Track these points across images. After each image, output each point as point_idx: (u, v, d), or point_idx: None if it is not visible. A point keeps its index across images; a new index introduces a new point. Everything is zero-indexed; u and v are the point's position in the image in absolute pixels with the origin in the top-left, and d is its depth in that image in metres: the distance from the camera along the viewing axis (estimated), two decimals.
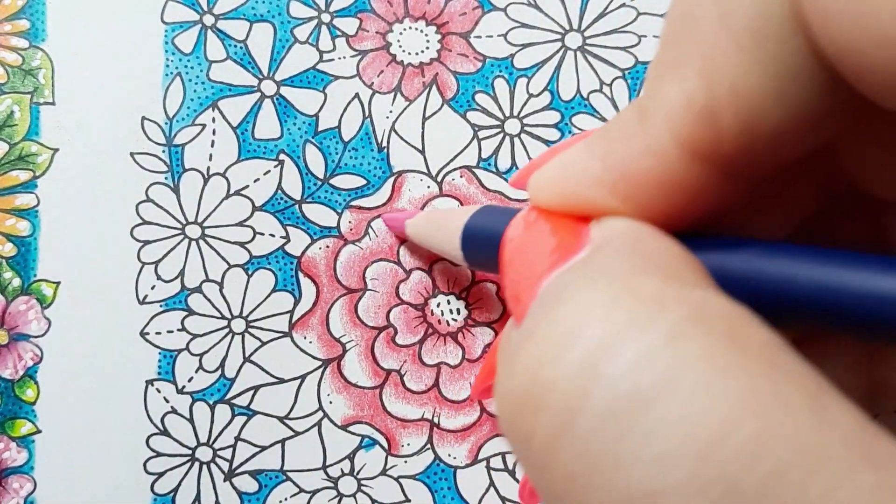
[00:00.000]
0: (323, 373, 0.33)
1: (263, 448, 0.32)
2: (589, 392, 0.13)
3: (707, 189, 0.16)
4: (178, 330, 0.33)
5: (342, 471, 0.32)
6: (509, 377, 0.15)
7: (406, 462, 0.32)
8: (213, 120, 0.33)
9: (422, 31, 0.34)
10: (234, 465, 0.32)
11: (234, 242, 0.33)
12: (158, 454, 0.32)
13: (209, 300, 0.33)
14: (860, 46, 0.13)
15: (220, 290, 0.33)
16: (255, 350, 0.33)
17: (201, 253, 0.33)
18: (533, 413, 0.14)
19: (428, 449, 0.32)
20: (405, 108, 0.34)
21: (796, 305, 0.15)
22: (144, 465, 0.32)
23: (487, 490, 0.32)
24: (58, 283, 0.32)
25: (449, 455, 0.32)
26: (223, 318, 0.33)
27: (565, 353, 0.13)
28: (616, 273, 0.14)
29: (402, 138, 0.33)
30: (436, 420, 0.33)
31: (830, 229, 0.20)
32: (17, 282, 0.32)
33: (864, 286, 0.14)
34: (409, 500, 0.32)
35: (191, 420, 0.32)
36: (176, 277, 0.33)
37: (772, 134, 0.15)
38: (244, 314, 0.33)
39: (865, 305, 0.14)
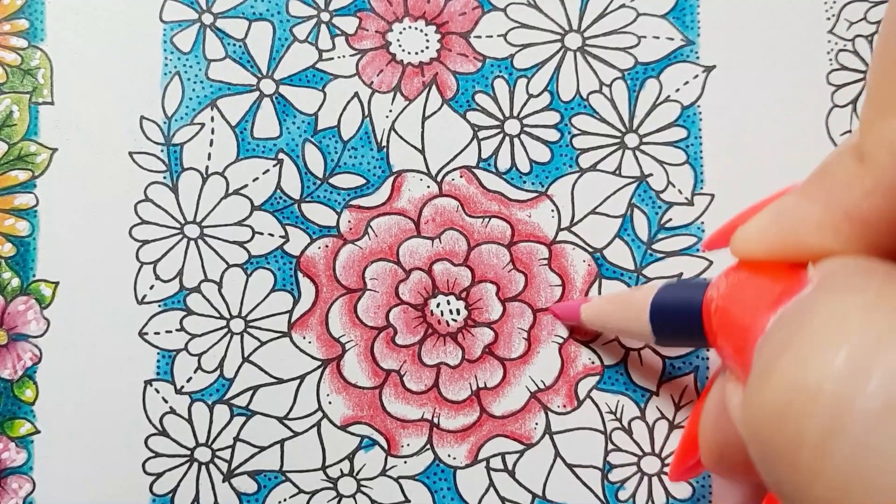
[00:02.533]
0: (322, 373, 0.32)
1: (262, 448, 0.32)
2: (860, 392, 0.13)
3: None
4: (177, 330, 0.32)
5: (342, 471, 0.32)
6: (764, 390, 0.14)
7: (406, 462, 0.32)
8: (212, 119, 0.33)
9: (421, 30, 0.34)
10: (232, 466, 0.32)
11: (233, 242, 0.33)
12: (157, 455, 0.32)
13: (208, 300, 0.33)
14: None
15: (219, 290, 0.33)
16: (254, 350, 0.32)
17: (200, 252, 0.33)
18: (799, 420, 0.13)
19: (427, 449, 0.32)
20: (405, 108, 0.33)
21: None
22: (143, 465, 0.32)
23: (487, 490, 0.32)
24: (57, 283, 0.32)
25: (448, 455, 0.32)
26: (222, 318, 0.33)
27: (830, 357, 0.13)
28: (863, 285, 0.14)
29: (401, 138, 0.33)
30: (435, 420, 0.32)
31: None
32: (16, 282, 0.32)
33: None
34: (408, 501, 0.32)
35: (189, 420, 0.32)
36: (175, 277, 0.33)
37: None
38: (243, 314, 0.33)
39: None
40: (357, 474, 0.32)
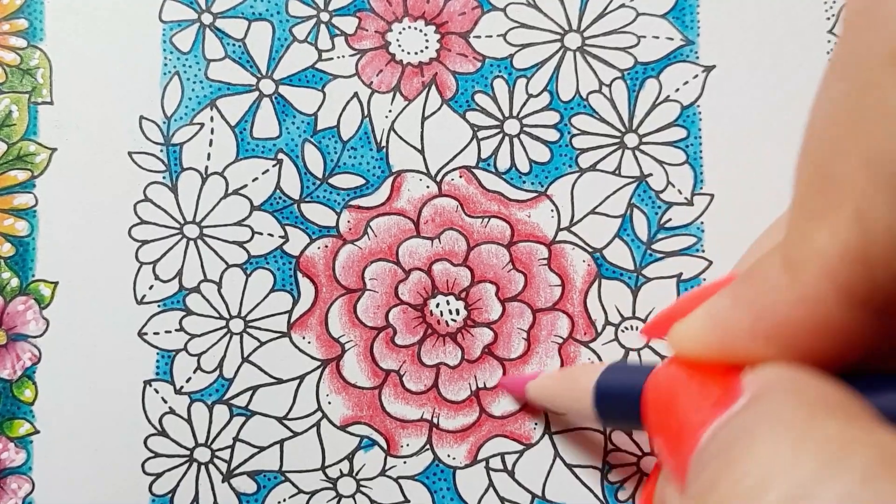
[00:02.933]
0: (322, 373, 0.32)
1: (262, 449, 0.32)
2: None
3: (862, 333, 0.16)
4: (177, 330, 0.32)
5: (341, 471, 0.32)
6: None
7: (405, 462, 0.32)
8: (212, 119, 0.33)
9: (421, 30, 0.34)
10: (232, 466, 0.32)
11: (233, 242, 0.33)
12: (156, 455, 0.32)
13: (207, 300, 0.33)
14: None
15: (219, 290, 0.33)
16: (254, 350, 0.32)
17: (199, 253, 0.33)
18: None
19: (427, 449, 0.32)
20: (404, 108, 0.33)
21: None
22: (142, 465, 0.32)
23: (486, 490, 0.32)
24: (56, 283, 0.32)
25: (448, 455, 0.32)
26: (221, 318, 0.33)
27: (761, 500, 0.13)
28: (793, 417, 0.14)
29: (401, 138, 0.33)
30: (435, 420, 0.32)
31: None
32: (15, 282, 0.32)
33: None
34: (408, 501, 0.32)
35: (189, 420, 0.32)
36: (174, 277, 0.33)
37: None
38: (242, 314, 0.33)
39: None
40: (356, 474, 0.32)
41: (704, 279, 0.33)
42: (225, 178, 0.33)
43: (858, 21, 0.15)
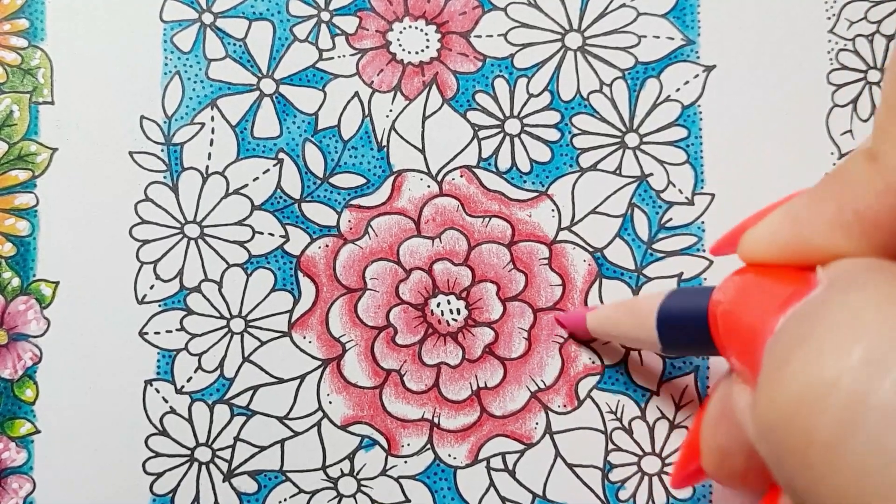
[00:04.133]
0: (322, 373, 0.32)
1: (263, 448, 0.32)
2: (875, 389, 0.13)
3: None
4: (177, 330, 0.32)
5: (342, 471, 0.32)
6: (776, 387, 0.14)
7: (406, 462, 0.32)
8: (212, 118, 0.33)
9: (422, 30, 0.34)
10: (233, 466, 0.32)
11: (234, 242, 0.33)
12: (157, 454, 0.32)
13: (208, 300, 0.33)
14: None
15: (219, 290, 0.33)
16: (255, 350, 0.32)
17: (200, 252, 0.33)
18: (812, 415, 0.13)
19: (428, 449, 0.32)
20: (405, 108, 0.33)
21: None
22: (143, 465, 0.32)
23: (487, 490, 0.32)
24: (57, 283, 0.32)
25: (449, 455, 0.32)
26: (222, 317, 0.33)
27: (846, 353, 0.13)
28: (875, 282, 0.14)
29: (401, 137, 0.33)
30: (436, 420, 0.32)
31: None
32: (16, 281, 0.32)
33: None
34: (409, 501, 0.32)
35: (190, 420, 0.32)
36: (175, 277, 0.33)
37: None
38: (243, 314, 0.33)
39: None
40: (357, 474, 0.32)
41: (705, 279, 0.33)
42: (226, 177, 0.33)
43: None
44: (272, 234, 0.33)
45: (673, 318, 0.25)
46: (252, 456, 0.32)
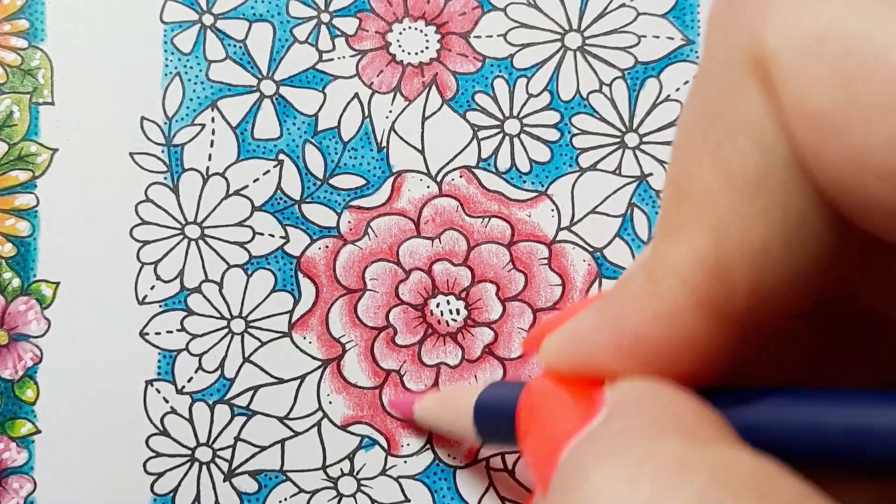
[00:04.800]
0: (322, 373, 0.33)
1: (263, 448, 0.32)
2: None
3: (721, 346, 0.16)
4: (178, 330, 0.33)
5: (342, 471, 0.32)
6: None
7: (406, 462, 0.32)
8: (213, 120, 0.33)
9: (421, 30, 0.34)
10: (233, 466, 0.32)
11: (234, 242, 0.33)
12: (158, 454, 0.32)
13: (209, 300, 0.33)
14: (858, 182, 0.13)
15: (220, 291, 0.33)
16: (255, 350, 0.33)
17: (201, 253, 0.33)
18: None
19: (427, 449, 0.32)
20: (405, 108, 0.34)
21: (822, 450, 0.15)
22: (144, 465, 0.32)
23: (487, 490, 0.32)
24: (57, 284, 0.32)
25: (448, 455, 0.32)
26: (223, 318, 0.33)
27: None
28: (635, 439, 0.14)
29: (401, 138, 0.33)
30: None
31: (839, 357, 0.19)
32: (16, 282, 0.32)
33: (890, 425, 0.14)
34: (408, 500, 0.32)
35: (190, 420, 0.32)
36: (175, 277, 0.33)
37: (785, 283, 0.15)
38: (244, 314, 0.33)
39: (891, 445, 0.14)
40: (357, 474, 0.32)
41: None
42: (226, 178, 0.33)
43: (715, 30, 0.15)
44: (272, 235, 0.33)
45: (487, 413, 0.25)
46: (252, 456, 0.32)
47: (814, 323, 0.18)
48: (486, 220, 0.33)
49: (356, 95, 0.33)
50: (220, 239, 0.33)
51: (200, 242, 0.33)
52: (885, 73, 0.12)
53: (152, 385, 0.32)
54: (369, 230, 0.33)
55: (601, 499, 0.13)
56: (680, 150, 0.16)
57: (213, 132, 0.33)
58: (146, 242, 0.33)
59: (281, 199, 0.33)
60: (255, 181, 0.33)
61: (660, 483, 0.13)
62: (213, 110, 0.33)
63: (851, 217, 0.14)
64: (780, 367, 0.18)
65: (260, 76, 0.33)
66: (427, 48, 0.34)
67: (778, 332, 0.16)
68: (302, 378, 0.32)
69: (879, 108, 0.12)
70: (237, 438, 0.32)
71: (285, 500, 0.32)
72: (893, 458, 0.14)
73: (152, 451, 0.32)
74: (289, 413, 0.32)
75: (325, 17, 0.34)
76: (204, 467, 0.32)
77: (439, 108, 0.34)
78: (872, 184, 0.13)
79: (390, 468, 0.32)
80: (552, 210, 0.33)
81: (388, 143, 0.33)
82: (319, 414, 0.32)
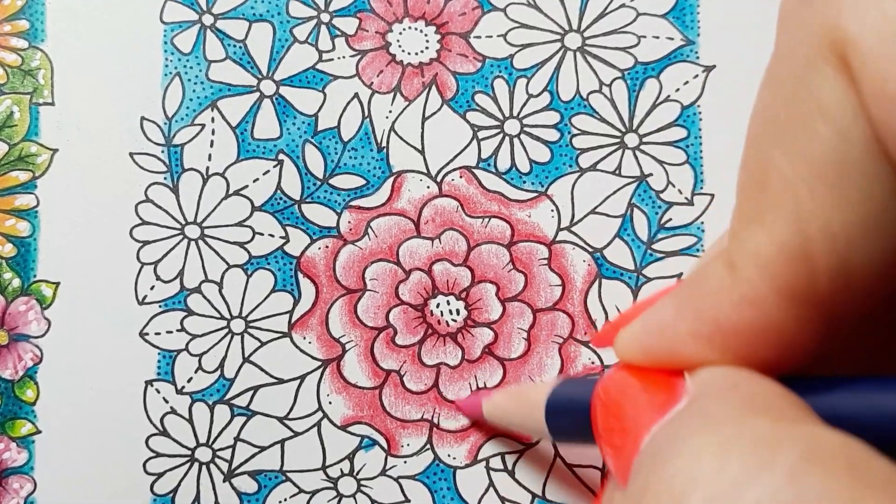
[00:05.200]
0: (322, 373, 0.33)
1: (263, 448, 0.32)
2: None
3: (803, 333, 0.16)
4: (178, 330, 0.33)
5: (342, 471, 0.32)
6: None
7: (406, 462, 0.32)
8: (213, 120, 0.33)
9: (421, 31, 0.34)
10: (233, 466, 0.32)
11: (234, 243, 0.33)
12: (158, 454, 0.32)
13: (208, 300, 0.33)
14: None
15: (220, 291, 0.33)
16: (255, 350, 0.33)
17: (200, 253, 0.33)
18: None
19: (427, 449, 0.32)
20: (405, 108, 0.34)
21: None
22: (144, 465, 0.32)
23: (487, 490, 0.32)
24: (57, 284, 0.32)
25: (448, 455, 0.32)
26: (222, 318, 0.33)
27: (687, 502, 0.13)
28: (723, 418, 0.14)
29: (401, 138, 0.33)
30: (435, 420, 0.33)
31: None
32: (16, 282, 0.32)
33: None
34: (408, 501, 0.32)
35: (190, 420, 0.32)
36: (175, 278, 0.33)
37: (867, 270, 0.15)
38: (243, 314, 0.33)
39: None
40: (357, 474, 0.32)
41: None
42: (226, 178, 0.33)
43: (790, 18, 0.15)
44: (272, 235, 0.33)
45: (560, 410, 0.25)
46: (252, 456, 0.32)
47: (891, 309, 0.18)
48: (486, 220, 0.33)
49: (356, 95, 0.33)
50: (219, 239, 0.33)
51: (200, 242, 0.33)
52: None
53: (152, 385, 0.32)
54: (369, 230, 0.33)
55: (694, 472, 0.13)
56: (756, 140, 0.16)
57: (213, 132, 0.33)
58: (146, 242, 0.33)
59: (281, 199, 0.33)
60: (254, 181, 0.33)
61: (751, 459, 0.13)
62: (212, 110, 0.33)
63: None
64: (855, 353, 0.18)
65: (260, 76, 0.33)
66: (427, 48, 0.34)
67: (858, 322, 0.16)
68: (302, 378, 0.33)
69: None
70: (237, 439, 0.32)
71: (285, 500, 0.32)
72: None
73: (152, 451, 0.32)
74: (289, 413, 0.32)
75: (325, 17, 0.34)
76: (204, 467, 0.32)
77: (439, 109, 0.34)
78: None
79: (390, 468, 0.32)
80: (552, 210, 0.33)
81: (388, 143, 0.33)
82: (319, 414, 0.32)
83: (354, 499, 0.32)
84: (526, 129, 0.34)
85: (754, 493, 0.13)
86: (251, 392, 0.32)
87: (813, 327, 0.16)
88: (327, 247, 0.33)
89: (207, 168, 0.33)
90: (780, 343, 0.16)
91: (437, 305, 0.33)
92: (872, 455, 0.13)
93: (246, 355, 0.33)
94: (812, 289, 0.15)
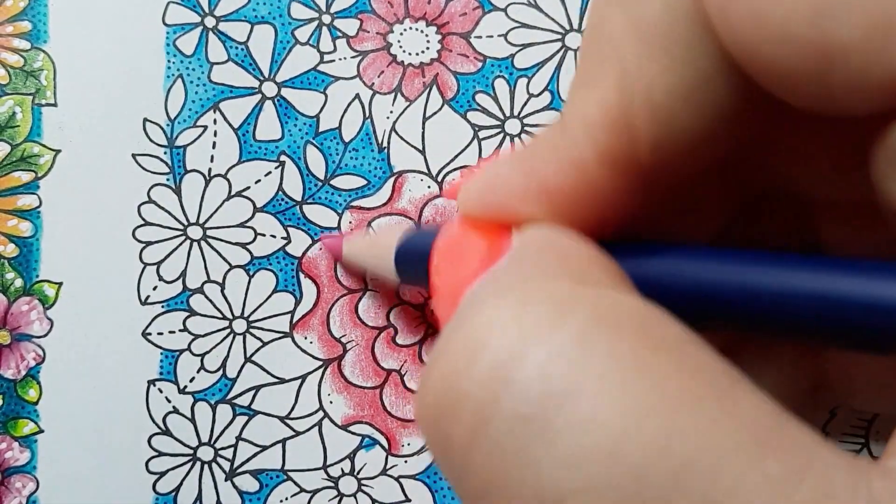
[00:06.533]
0: (323, 373, 0.33)
1: (264, 448, 0.32)
2: (499, 398, 0.13)
3: (627, 197, 0.16)
4: (180, 330, 0.33)
5: (342, 470, 0.32)
6: (426, 388, 0.15)
7: (406, 462, 0.32)
8: (215, 121, 0.33)
9: (422, 31, 0.34)
10: (235, 465, 0.32)
11: (236, 243, 0.33)
12: (160, 454, 0.32)
13: (211, 301, 0.33)
14: (760, 44, 0.13)
15: (222, 291, 0.33)
16: (257, 350, 0.33)
17: (203, 254, 0.33)
18: (449, 421, 0.14)
19: (428, 449, 0.32)
20: (405, 109, 0.34)
21: (718, 308, 0.15)
22: (146, 464, 0.32)
23: None
24: (60, 284, 0.32)
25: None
26: (224, 318, 0.33)
27: (475, 362, 0.13)
28: (527, 278, 0.14)
29: (402, 139, 0.34)
30: None
31: (757, 230, 0.20)
32: (19, 282, 0.32)
33: (785, 285, 0.14)
34: (409, 500, 0.32)
35: (192, 420, 0.32)
36: (177, 278, 0.33)
37: (687, 139, 0.15)
38: (245, 315, 0.33)
39: (788, 307, 0.14)
40: (358, 473, 0.32)
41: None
42: (228, 180, 0.33)
43: None
44: (274, 236, 0.33)
45: (407, 255, 0.26)
46: (254, 455, 0.32)
47: (729, 197, 0.19)
48: None
49: (357, 96, 0.34)
50: (221, 240, 0.33)
51: (202, 243, 0.33)
52: None
53: (154, 385, 0.32)
54: (370, 231, 0.33)
55: (486, 332, 0.14)
56: (597, 3, 0.16)
57: (215, 134, 0.33)
58: (148, 243, 0.33)
59: (282, 199, 0.33)
60: (256, 182, 0.33)
61: (544, 316, 0.13)
62: (215, 112, 0.33)
63: (756, 78, 0.14)
64: (694, 235, 0.19)
65: (262, 78, 0.33)
66: (428, 49, 0.34)
67: (684, 191, 0.17)
68: (303, 378, 0.33)
69: None
70: (239, 438, 0.32)
71: (286, 499, 0.32)
72: (789, 320, 0.14)
73: (154, 450, 0.32)
74: (290, 413, 0.32)
75: (327, 19, 0.34)
76: (206, 467, 0.32)
77: (440, 109, 0.34)
78: (774, 46, 0.13)
79: (391, 468, 0.32)
80: None
81: (388, 143, 0.33)
82: (320, 414, 0.33)
83: (355, 498, 0.32)
84: (527, 128, 0.34)
85: (540, 353, 0.13)
86: (253, 392, 0.33)
87: (635, 192, 0.16)
88: None
89: (209, 169, 0.33)
90: (603, 206, 0.16)
91: None
92: (666, 320, 0.13)
93: (248, 355, 0.33)
94: (632, 155, 0.15)
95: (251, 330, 0.33)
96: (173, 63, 0.33)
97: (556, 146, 0.16)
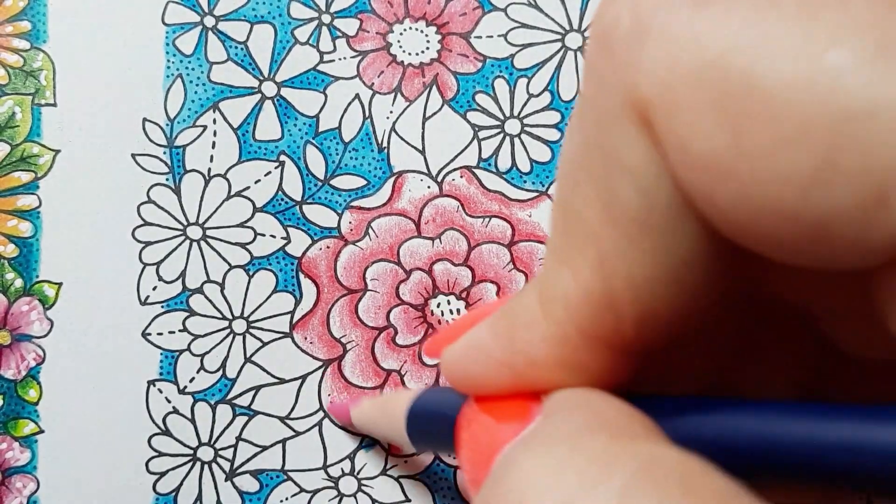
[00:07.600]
0: (323, 373, 0.33)
1: (264, 448, 0.32)
2: None
3: (611, 369, 0.16)
4: (180, 330, 0.33)
5: (342, 470, 0.32)
6: None
7: (406, 462, 0.33)
8: (214, 121, 0.33)
9: (422, 31, 0.34)
10: (235, 465, 0.32)
11: (235, 243, 0.33)
12: (160, 454, 0.32)
13: (210, 301, 0.33)
14: (752, 223, 0.13)
15: (222, 291, 0.33)
16: (256, 350, 0.33)
17: (202, 254, 0.33)
18: None
19: None
20: (405, 109, 0.34)
21: (747, 459, 0.15)
22: (146, 464, 0.32)
23: None
24: (60, 284, 0.32)
25: (449, 455, 0.32)
26: (224, 318, 0.33)
27: None
28: (563, 435, 0.14)
29: (402, 139, 0.34)
30: None
31: (769, 354, 0.19)
32: (19, 283, 0.32)
33: (813, 437, 0.14)
34: (409, 500, 0.32)
35: (192, 420, 0.32)
36: (177, 278, 0.33)
37: (671, 316, 0.15)
38: (245, 315, 0.33)
39: (818, 457, 0.14)
40: (358, 473, 0.32)
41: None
42: (227, 179, 0.33)
43: (594, 68, 0.15)
44: (273, 236, 0.33)
45: (418, 421, 0.25)
46: (254, 455, 0.32)
47: (735, 326, 0.18)
48: (487, 220, 0.33)
49: (357, 96, 0.34)
50: (221, 240, 0.33)
51: (202, 243, 0.33)
52: (767, 109, 0.12)
53: (154, 385, 0.32)
54: (370, 230, 0.33)
55: (528, 488, 0.14)
56: (564, 180, 0.16)
57: (215, 133, 0.33)
58: (148, 243, 0.33)
59: (282, 199, 0.33)
60: (256, 182, 0.33)
61: (585, 475, 0.13)
62: (214, 112, 0.33)
63: (742, 244, 0.14)
64: (707, 368, 0.19)
65: (261, 77, 0.33)
66: (428, 49, 0.34)
67: (680, 347, 0.17)
68: (303, 378, 0.33)
69: (766, 147, 0.12)
70: (239, 438, 0.32)
71: (286, 499, 0.32)
72: (813, 469, 0.14)
73: (154, 450, 0.32)
74: (290, 413, 0.33)
75: (326, 19, 0.34)
76: (206, 467, 0.32)
77: (440, 109, 0.34)
78: (767, 224, 0.13)
79: (391, 468, 0.33)
80: None
81: (388, 143, 0.33)
82: (320, 414, 0.33)
83: (355, 498, 0.32)
84: (527, 128, 0.34)
85: None
86: (253, 392, 0.33)
87: (623, 364, 0.16)
88: (328, 247, 0.33)
89: (209, 169, 0.33)
90: (590, 378, 0.16)
91: (438, 305, 0.33)
92: (708, 471, 0.13)
93: (248, 355, 0.33)
94: (618, 335, 0.15)
95: (251, 330, 0.33)
96: (173, 63, 0.33)
97: (535, 319, 0.16)
